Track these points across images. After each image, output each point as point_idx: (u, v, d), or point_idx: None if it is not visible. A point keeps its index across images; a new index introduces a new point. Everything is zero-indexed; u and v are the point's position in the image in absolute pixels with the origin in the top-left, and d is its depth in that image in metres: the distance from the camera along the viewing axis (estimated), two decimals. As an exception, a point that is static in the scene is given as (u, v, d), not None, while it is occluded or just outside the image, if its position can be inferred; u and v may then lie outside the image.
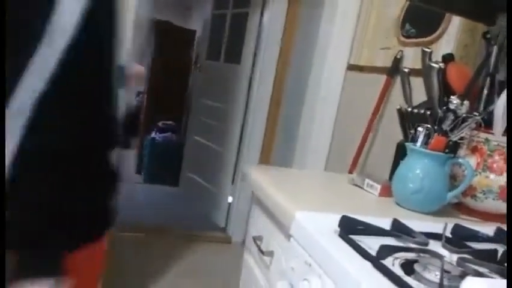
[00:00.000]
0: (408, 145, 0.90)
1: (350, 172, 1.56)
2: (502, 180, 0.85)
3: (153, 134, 4.38)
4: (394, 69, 1.52)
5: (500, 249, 0.65)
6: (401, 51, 1.52)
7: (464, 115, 0.86)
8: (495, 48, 0.92)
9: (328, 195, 1.01)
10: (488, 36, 0.97)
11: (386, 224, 0.72)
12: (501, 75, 0.93)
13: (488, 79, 0.94)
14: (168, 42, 4.61)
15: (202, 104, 3.48)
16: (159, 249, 2.56)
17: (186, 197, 3.55)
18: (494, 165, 0.86)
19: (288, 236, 0.78)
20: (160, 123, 4.50)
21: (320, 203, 0.91)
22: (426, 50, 1.04)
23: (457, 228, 0.73)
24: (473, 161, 0.88)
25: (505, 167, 0.86)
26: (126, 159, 4.29)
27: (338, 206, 0.90)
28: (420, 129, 0.90)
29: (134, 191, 3.72)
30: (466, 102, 0.88)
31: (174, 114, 4.62)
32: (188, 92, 4.70)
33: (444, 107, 0.92)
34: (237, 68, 2.91)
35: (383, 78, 1.59)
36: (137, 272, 2.29)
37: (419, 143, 0.89)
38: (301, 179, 1.11)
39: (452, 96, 0.89)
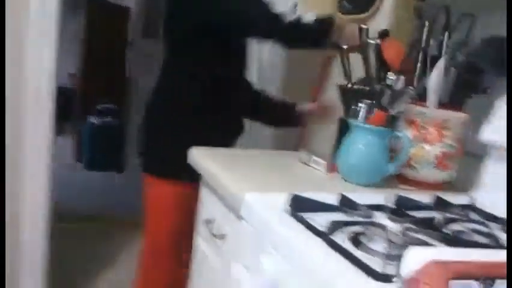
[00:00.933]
0: (351, 121, 0.93)
1: (297, 149, 1.59)
2: (437, 150, 0.90)
3: (91, 119, 4.18)
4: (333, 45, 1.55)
5: (438, 216, 0.70)
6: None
7: (400, 90, 0.90)
8: (426, 23, 0.95)
9: (277, 174, 1.02)
10: (420, 13, 1.01)
11: (334, 200, 0.74)
12: (432, 50, 0.97)
13: (421, 54, 0.98)
14: (101, 20, 4.37)
15: (143, 84, 3.36)
16: (108, 237, 2.50)
17: (133, 183, 3.46)
18: (429, 137, 0.91)
19: (239, 218, 0.78)
20: (98, 107, 4.30)
21: (269, 182, 0.92)
22: (363, 26, 1.07)
23: (400, 199, 0.77)
24: (409, 133, 0.93)
25: (438, 137, 0.91)
26: (63, 147, 4.09)
27: (286, 184, 0.91)
28: (361, 105, 0.93)
29: (73, 179, 3.55)
30: (402, 78, 0.91)
31: (113, 96, 4.42)
32: (127, 71, 4.50)
33: (382, 83, 0.96)
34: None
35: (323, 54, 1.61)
36: (85, 261, 2.23)
37: (360, 119, 0.92)
38: (248, 159, 1.12)
39: (388, 72, 0.92)
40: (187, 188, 1.21)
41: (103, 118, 4.18)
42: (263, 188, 0.83)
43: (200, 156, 1.04)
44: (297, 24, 1.16)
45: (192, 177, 1.08)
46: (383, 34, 1.07)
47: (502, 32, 0.89)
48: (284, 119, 1.42)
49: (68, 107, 4.50)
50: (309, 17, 1.20)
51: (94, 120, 4.15)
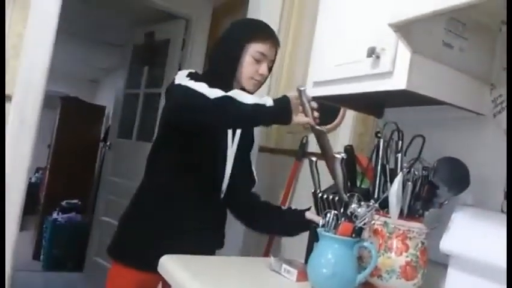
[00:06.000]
0: (320, 231, 0.97)
1: (266, 255, 1.60)
2: (402, 260, 0.95)
3: (55, 215, 4.06)
4: (301, 153, 1.66)
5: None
6: (306, 136, 1.67)
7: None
8: (381, 142, 1.06)
9: (246, 282, 1.02)
10: (377, 130, 1.13)
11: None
12: (391, 164, 1.07)
13: (380, 167, 1.07)
14: (75, 117, 4.48)
15: (112, 182, 3.35)
16: None
17: (91, 284, 3.27)
18: (394, 246, 0.96)
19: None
20: (63, 203, 4.20)
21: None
22: (301, 88, 1.15)
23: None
24: (375, 242, 0.98)
25: (403, 247, 0.96)
26: (21, 243, 3.87)
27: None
28: (329, 215, 0.98)
29: (31, 280, 3.33)
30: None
31: (80, 192, 4.35)
32: (97, 168, 4.50)
33: (349, 193, 1.03)
34: (149, 146, 2.90)
35: (292, 160, 1.71)
36: None
37: (329, 229, 0.97)
38: (217, 266, 1.12)
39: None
40: (152, 278, 1.20)
41: (67, 214, 4.07)
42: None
43: (171, 266, 1.04)
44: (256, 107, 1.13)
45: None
46: (348, 149, 1.17)
47: (449, 150, 1.01)
48: (298, 228, 1.32)
49: (31, 202, 4.38)
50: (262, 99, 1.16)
51: (57, 216, 4.03)
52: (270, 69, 1.37)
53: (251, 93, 1.36)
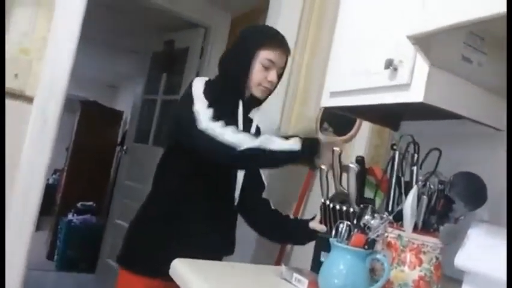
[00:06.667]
0: (332, 241, 0.96)
1: (277, 263, 1.60)
2: (415, 274, 0.94)
3: (70, 216, 4.11)
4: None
5: None
6: (321, 146, 1.66)
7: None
8: (397, 154, 1.05)
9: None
10: (393, 142, 1.12)
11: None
12: (406, 177, 1.06)
13: (395, 180, 1.06)
14: (94, 121, 4.55)
15: (127, 186, 3.38)
16: None
17: (102, 285, 3.30)
18: (407, 260, 0.95)
19: None
20: (78, 204, 4.26)
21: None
22: (336, 149, 1.16)
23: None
24: (388, 255, 0.97)
25: (416, 261, 0.95)
26: (36, 243, 3.94)
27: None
28: (341, 225, 0.98)
29: (44, 279, 3.37)
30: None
31: (95, 195, 4.41)
32: (113, 172, 4.56)
33: (362, 205, 1.02)
34: (165, 151, 2.94)
35: (305, 169, 1.71)
36: None
37: (341, 239, 0.96)
38: (229, 273, 1.12)
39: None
40: (160, 284, 1.21)
41: (82, 216, 4.12)
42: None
43: (183, 270, 1.05)
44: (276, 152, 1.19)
45: (166, 275, 1.08)
46: (360, 160, 1.17)
47: (466, 164, 0.99)
48: (305, 237, 1.35)
49: (48, 203, 4.45)
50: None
51: (72, 217, 4.08)
52: (280, 76, 1.38)
53: (260, 100, 1.38)
